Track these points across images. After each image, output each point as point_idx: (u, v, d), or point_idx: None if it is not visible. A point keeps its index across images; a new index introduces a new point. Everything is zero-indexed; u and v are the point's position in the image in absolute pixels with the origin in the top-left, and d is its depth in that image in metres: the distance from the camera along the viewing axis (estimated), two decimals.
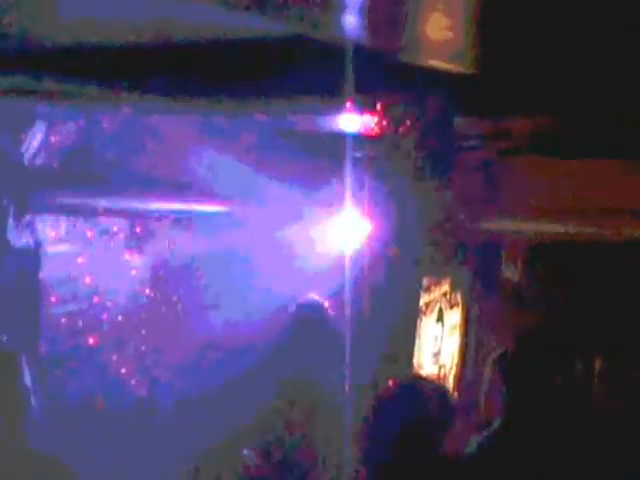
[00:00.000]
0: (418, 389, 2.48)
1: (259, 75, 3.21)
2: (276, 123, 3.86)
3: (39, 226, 3.95)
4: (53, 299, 4.05)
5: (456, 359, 4.03)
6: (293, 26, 2.64)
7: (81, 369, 4.06)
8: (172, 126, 3.91)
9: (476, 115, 3.62)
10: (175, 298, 4.30)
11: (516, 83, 3.24)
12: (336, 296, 3.65)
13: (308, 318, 3.62)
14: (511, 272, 4.01)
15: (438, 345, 4.02)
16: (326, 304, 3.69)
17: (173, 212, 4.16)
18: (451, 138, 3.64)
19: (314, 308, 3.66)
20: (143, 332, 4.23)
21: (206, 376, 3.98)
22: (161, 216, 4.18)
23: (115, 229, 4.24)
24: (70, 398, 3.90)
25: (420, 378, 3.30)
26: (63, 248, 4.12)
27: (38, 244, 3.93)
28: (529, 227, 3.89)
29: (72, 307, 4.12)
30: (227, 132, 3.86)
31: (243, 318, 4.02)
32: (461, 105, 3.49)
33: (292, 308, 3.65)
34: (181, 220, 4.21)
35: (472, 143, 3.81)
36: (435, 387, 2.61)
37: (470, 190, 3.80)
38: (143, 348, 4.21)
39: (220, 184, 3.92)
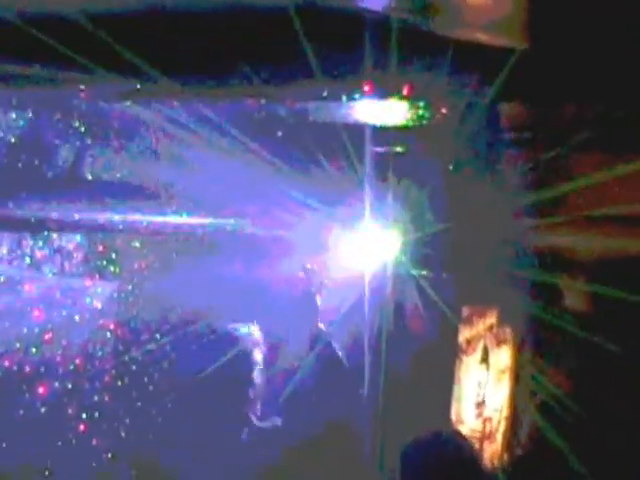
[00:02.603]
0: (456, 450, 2.50)
1: (257, 52, 3.25)
2: (279, 112, 3.91)
3: None
4: None
5: (505, 412, 3.98)
6: None
7: (27, 427, 4.02)
8: (149, 117, 3.90)
9: (528, 100, 3.64)
10: (150, 335, 4.29)
11: (578, 61, 3.25)
12: (355, 330, 3.77)
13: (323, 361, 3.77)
14: (575, 300, 3.97)
15: (482, 393, 3.99)
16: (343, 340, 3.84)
17: (147, 226, 4.09)
18: (497, 130, 3.68)
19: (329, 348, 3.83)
20: (108, 379, 4.20)
21: (195, 443, 3.99)
22: (131, 231, 4.13)
23: (71, 247, 4.22)
24: (9, 466, 3.89)
25: (459, 436, 3.33)
26: (3, 272, 4.10)
27: None
28: (599, 243, 3.86)
29: (16, 348, 4.08)
30: (216, 123, 3.85)
31: (244, 355, 4.11)
32: (509, 88, 3.41)
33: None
34: (157, 236, 4.21)
35: (524, 136, 3.80)
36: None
37: (522, 195, 3.78)
38: (108, 399, 4.16)
39: (209, 192, 3.96)
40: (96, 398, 4.17)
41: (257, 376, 4.17)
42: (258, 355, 4.16)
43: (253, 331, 4.18)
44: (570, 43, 3.16)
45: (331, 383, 3.85)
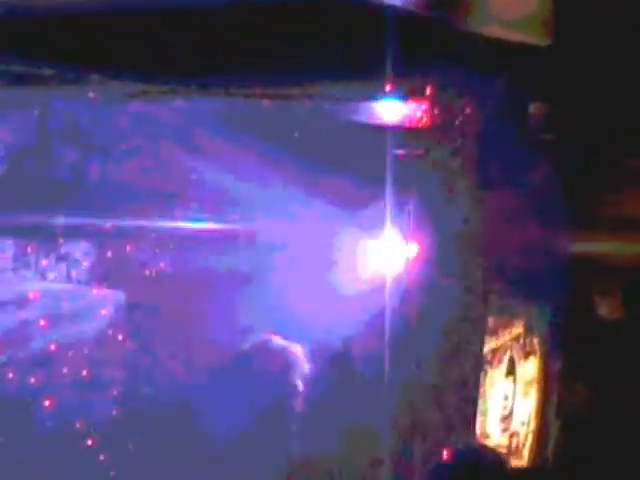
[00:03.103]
0: (482, 465, 2.50)
1: (271, 50, 3.27)
2: (296, 113, 3.87)
3: None
4: None
5: (532, 425, 3.97)
6: None
7: (32, 442, 3.98)
8: (157, 118, 3.89)
9: (558, 100, 3.68)
10: (160, 345, 4.24)
11: (606, 59, 3.30)
12: (375, 339, 3.73)
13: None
14: (606, 309, 3.95)
15: (509, 407, 4.01)
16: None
17: (156, 231, 4.13)
18: (523, 131, 3.68)
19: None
20: (116, 393, 4.16)
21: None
22: (140, 236, 4.14)
23: (78, 255, 4.17)
24: None
25: (485, 450, 3.38)
26: (9, 280, 4.06)
27: None
28: (630, 250, 3.84)
29: (21, 358, 4.03)
30: (230, 125, 3.84)
31: (258, 370, 4.07)
32: (536, 88, 3.59)
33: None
34: (166, 241, 4.18)
35: (553, 137, 3.77)
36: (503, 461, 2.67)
37: (550, 200, 3.75)
38: (115, 413, 4.12)
39: (222, 197, 3.96)
40: (104, 412, 4.13)
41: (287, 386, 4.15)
42: (283, 364, 4.13)
43: (278, 341, 4.15)
44: (601, 40, 3.22)
45: (351, 394, 3.82)
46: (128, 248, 4.16)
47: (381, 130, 3.68)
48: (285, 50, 3.26)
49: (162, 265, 4.19)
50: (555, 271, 3.89)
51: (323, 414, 3.88)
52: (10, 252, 4.05)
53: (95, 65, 3.38)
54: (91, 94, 3.71)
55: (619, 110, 3.53)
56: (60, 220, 3.99)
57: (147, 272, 4.19)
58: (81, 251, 4.16)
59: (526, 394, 3.99)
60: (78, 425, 4.05)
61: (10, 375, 3.99)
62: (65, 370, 4.08)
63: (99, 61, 3.35)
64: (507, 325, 3.97)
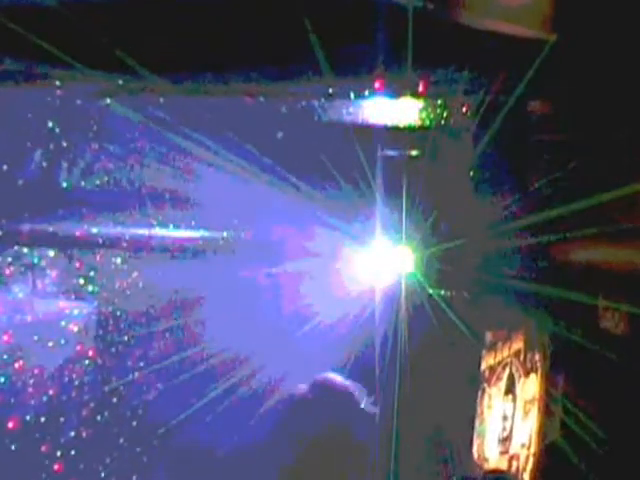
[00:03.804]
0: None
1: (251, 45, 3.25)
2: (280, 111, 3.86)
3: None
4: None
5: (534, 448, 3.92)
6: None
7: None
8: (130, 118, 3.84)
9: (558, 99, 3.62)
10: (132, 363, 4.23)
11: (613, 54, 3.23)
12: (365, 352, 3.75)
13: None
14: (611, 322, 3.91)
15: (508, 427, 3.91)
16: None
17: (130, 239, 4.08)
18: (524, 132, 3.63)
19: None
20: (85, 413, 4.15)
21: None
22: (112, 245, 4.10)
23: (44, 264, 4.16)
24: None
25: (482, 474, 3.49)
26: None
27: None
28: (638, 258, 3.80)
29: None
30: (210, 124, 3.81)
31: (243, 390, 4.06)
32: (539, 85, 3.44)
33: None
34: (140, 250, 4.15)
35: (555, 139, 3.73)
36: None
37: (552, 206, 3.68)
38: (85, 435, 4.11)
39: (203, 204, 3.95)
40: (72, 434, 4.13)
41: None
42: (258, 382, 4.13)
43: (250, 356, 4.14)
44: (608, 33, 3.17)
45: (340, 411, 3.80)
46: (98, 258, 4.16)
47: (370, 130, 3.67)
48: (266, 44, 3.24)
49: (135, 276, 4.19)
50: (556, 281, 3.84)
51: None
52: None
53: (64, 60, 3.29)
54: (58, 92, 3.70)
55: (626, 108, 3.50)
56: (25, 227, 3.97)
57: (119, 284, 4.19)
58: (48, 260, 4.16)
59: (527, 414, 3.92)
60: (44, 448, 4.07)
61: None
62: (30, 389, 4.09)
63: (68, 56, 3.28)
64: (506, 340, 3.90)
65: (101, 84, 3.57)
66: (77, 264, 4.14)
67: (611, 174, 3.79)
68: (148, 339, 4.26)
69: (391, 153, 3.74)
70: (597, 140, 3.72)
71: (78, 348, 4.16)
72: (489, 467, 3.75)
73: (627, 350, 3.92)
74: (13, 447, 4.03)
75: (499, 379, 3.89)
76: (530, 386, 3.88)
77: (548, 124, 3.69)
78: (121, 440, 4.17)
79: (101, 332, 4.22)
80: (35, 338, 4.10)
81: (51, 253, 4.16)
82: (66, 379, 4.14)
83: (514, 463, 3.92)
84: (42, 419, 4.11)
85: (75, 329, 4.18)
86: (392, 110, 3.59)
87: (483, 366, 3.87)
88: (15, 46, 3.24)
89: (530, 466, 3.96)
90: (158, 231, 4.05)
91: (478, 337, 3.85)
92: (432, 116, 3.57)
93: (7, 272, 4.09)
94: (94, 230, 3.99)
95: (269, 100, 3.70)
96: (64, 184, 3.99)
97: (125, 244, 4.07)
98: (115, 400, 4.19)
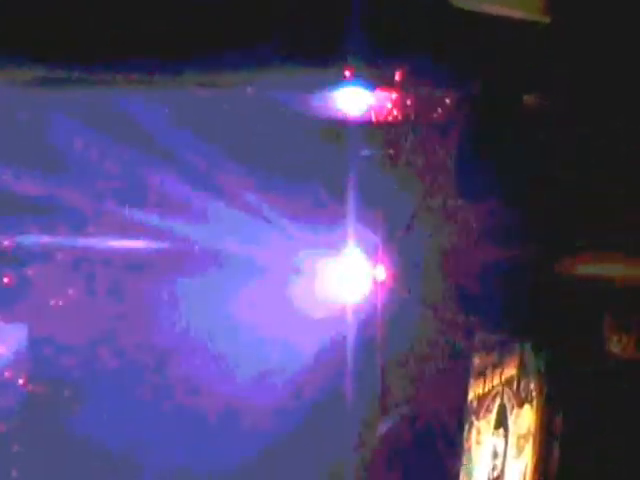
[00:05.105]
0: None
1: (207, 29, 3.24)
2: (235, 105, 3.84)
3: None
4: None
5: None
6: None
7: None
8: (67, 112, 3.81)
9: (555, 92, 3.59)
10: (69, 391, 4.12)
11: (615, 43, 3.26)
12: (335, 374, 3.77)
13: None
14: (619, 345, 3.87)
15: (499, 466, 3.91)
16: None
17: (66, 250, 4.04)
18: (519, 128, 3.61)
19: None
20: (16, 449, 4.05)
21: None
22: (45, 257, 4.04)
23: None
24: None
25: None
26: None
27: None
28: None
29: None
30: (148, 121, 3.78)
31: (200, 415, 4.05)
32: (531, 75, 3.48)
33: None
34: (78, 264, 4.08)
35: (554, 136, 3.73)
36: None
37: (549, 213, 3.71)
38: (14, 475, 4.03)
39: (146, 207, 3.91)
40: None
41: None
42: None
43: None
44: (609, 21, 3.23)
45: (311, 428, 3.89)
46: (30, 272, 4.07)
47: (339, 127, 3.64)
48: (219, 25, 3.21)
49: (72, 293, 4.10)
50: (555, 299, 3.78)
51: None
52: None
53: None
54: None
55: (628, 102, 3.46)
56: None
57: (54, 301, 4.09)
58: None
59: (520, 451, 3.93)
60: None
61: None
62: None
63: None
64: (497, 366, 3.87)
65: (27, 74, 3.55)
66: (5, 279, 4.03)
67: (620, 177, 3.75)
68: (88, 364, 4.13)
69: (364, 152, 3.71)
70: (601, 137, 3.70)
71: (7, 375, 4.06)
72: None
73: (636, 378, 3.89)
74: None
75: (489, 411, 3.86)
76: (524, 419, 3.93)
77: (544, 119, 3.68)
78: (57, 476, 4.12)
79: (33, 356, 4.10)
80: None
81: None
82: None
83: None
84: None
85: (4, 353, 4.07)
86: (364, 103, 3.58)
87: (470, 396, 3.82)
88: None
89: None
90: (98, 241, 4.01)
91: (464, 362, 3.81)
92: (410, 110, 3.54)
93: None
94: (24, 241, 3.96)
95: (223, 91, 3.67)
96: None
97: (61, 256, 4.03)
98: (49, 433, 4.09)
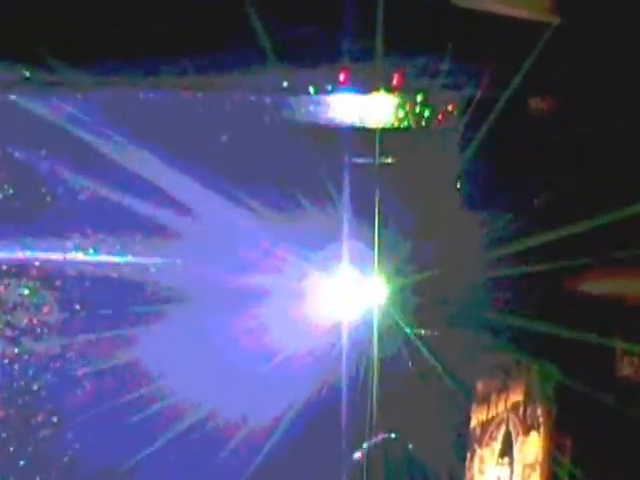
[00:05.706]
0: None
1: (190, 28, 3.28)
2: (220, 109, 3.85)
3: None
4: None
5: None
6: None
7: None
8: (39, 115, 3.80)
9: (568, 94, 3.61)
10: (43, 417, 4.14)
11: (626, 43, 3.27)
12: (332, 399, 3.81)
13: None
14: (632, 369, 3.80)
15: None
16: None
17: (41, 266, 4.09)
18: (525, 133, 3.63)
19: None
20: None
21: None
22: (18, 273, 4.09)
23: None
24: None
25: None
26: None
27: None
28: None
29: None
30: (128, 126, 3.80)
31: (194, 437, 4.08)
32: (537, 78, 3.46)
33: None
34: (52, 279, 4.10)
35: (562, 141, 3.69)
36: None
37: (557, 224, 3.63)
38: None
39: (124, 218, 3.91)
40: None
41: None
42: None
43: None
44: (620, 20, 3.21)
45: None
46: (1, 288, 4.11)
47: (334, 133, 3.68)
48: (205, 25, 3.24)
49: (46, 311, 4.09)
50: (564, 318, 3.74)
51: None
52: None
53: None
54: None
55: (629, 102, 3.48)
56: None
57: (27, 320, 4.09)
58: None
59: None
60: None
61: None
62: None
63: None
64: (501, 390, 3.85)
65: (3, 75, 3.57)
66: None
67: (632, 185, 3.71)
68: (63, 387, 4.18)
69: (360, 160, 3.74)
70: (613, 144, 3.67)
71: None
72: None
73: None
74: None
75: (493, 439, 3.88)
76: (531, 447, 3.86)
77: (551, 124, 3.69)
78: None
79: (5, 379, 4.11)
80: None
81: None
82: None
83: None
84: None
85: None
86: (360, 108, 3.60)
87: (473, 422, 3.86)
88: None
89: None
90: (75, 256, 4.04)
91: (466, 387, 3.83)
92: (409, 116, 3.57)
93: None
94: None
95: (209, 95, 3.70)
96: None
97: (35, 271, 4.06)
98: (20, 463, 4.12)
